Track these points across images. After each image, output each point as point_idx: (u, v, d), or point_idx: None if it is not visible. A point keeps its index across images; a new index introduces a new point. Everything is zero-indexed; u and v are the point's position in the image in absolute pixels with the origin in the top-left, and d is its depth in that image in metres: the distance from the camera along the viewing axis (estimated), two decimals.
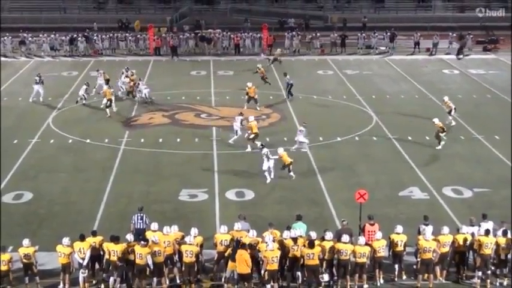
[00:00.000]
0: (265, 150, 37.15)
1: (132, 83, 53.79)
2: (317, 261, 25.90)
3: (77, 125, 47.10)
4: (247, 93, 50.90)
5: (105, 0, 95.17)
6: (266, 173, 36.79)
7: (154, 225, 27.07)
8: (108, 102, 49.07)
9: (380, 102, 52.84)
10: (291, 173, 37.10)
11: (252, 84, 51.33)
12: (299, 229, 27.27)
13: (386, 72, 64.20)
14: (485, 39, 77.45)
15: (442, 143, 41.87)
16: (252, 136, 41.36)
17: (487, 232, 26.75)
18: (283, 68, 62.18)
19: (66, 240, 26.29)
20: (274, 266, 25.58)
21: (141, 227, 28.30)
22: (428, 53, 73.06)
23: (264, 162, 36.77)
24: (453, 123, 46.83)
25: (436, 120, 42.34)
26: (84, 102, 52.28)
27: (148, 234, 26.65)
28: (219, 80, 60.02)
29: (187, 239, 26.32)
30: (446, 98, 48.47)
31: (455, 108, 47.20)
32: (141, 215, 28.67)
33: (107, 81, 53.15)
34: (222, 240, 26.92)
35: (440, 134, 41.90)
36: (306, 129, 42.06)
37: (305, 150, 41.45)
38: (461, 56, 71.10)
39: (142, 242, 25.94)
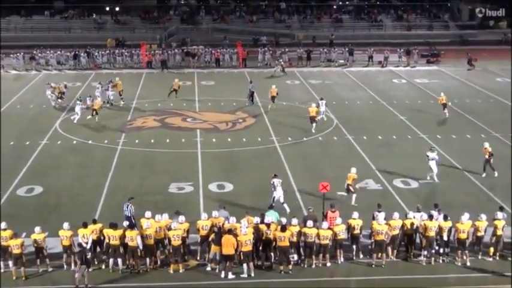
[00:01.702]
0: (276, 180, 32.01)
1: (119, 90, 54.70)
2: (287, 243, 25.99)
3: (81, 128, 46.89)
4: (270, 93, 52.07)
5: (104, 21, 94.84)
6: (284, 205, 31.42)
7: (148, 213, 27.12)
8: (94, 112, 48.67)
9: (339, 107, 52.92)
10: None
11: (276, 87, 52.83)
12: (271, 216, 27.36)
13: (344, 82, 64.27)
14: (428, 53, 77.75)
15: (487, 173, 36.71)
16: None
17: (431, 217, 26.93)
18: (255, 77, 62.26)
19: (66, 225, 26.39)
20: (248, 248, 25.68)
21: (127, 214, 28.36)
22: (380, 65, 73.23)
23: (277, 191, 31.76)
24: (447, 115, 48.66)
25: (486, 145, 37.32)
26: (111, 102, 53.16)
27: (143, 221, 26.70)
28: (202, 89, 59.95)
29: (172, 225, 26.42)
30: (442, 94, 50.55)
31: (445, 104, 49.42)
32: (128, 204, 28.73)
33: (120, 92, 54.42)
34: (203, 226, 27.16)
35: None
36: (437, 156, 36.87)
37: (432, 180, 36.24)
38: (470, 68, 71.60)
39: (130, 226, 26.13)
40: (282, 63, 68.60)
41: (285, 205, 31.13)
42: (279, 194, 31.47)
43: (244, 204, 31.68)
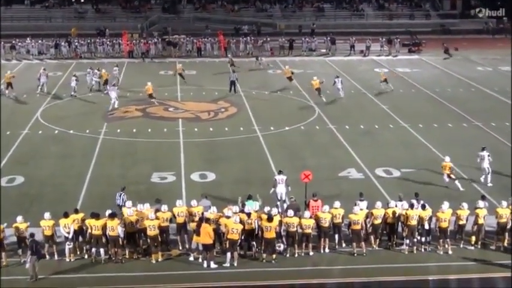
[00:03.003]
0: (279, 177, 31.07)
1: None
2: (273, 234, 26.04)
3: (62, 118, 46.71)
4: (311, 85, 52.29)
5: (84, 10, 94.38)
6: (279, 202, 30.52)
7: (129, 203, 27.23)
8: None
9: (321, 97, 52.86)
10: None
11: (317, 78, 53.10)
12: (250, 206, 27.38)
13: (326, 71, 64.22)
14: (410, 43, 77.90)
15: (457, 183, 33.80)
16: None
17: (412, 206, 27.06)
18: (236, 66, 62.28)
19: (47, 215, 26.29)
20: (235, 236, 25.69)
21: (119, 203, 28.38)
22: (362, 55, 73.36)
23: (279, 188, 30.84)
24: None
25: (446, 159, 34.29)
26: (75, 94, 52.77)
27: (124, 211, 26.73)
28: (184, 80, 59.81)
29: (150, 215, 26.40)
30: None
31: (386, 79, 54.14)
32: (121, 193, 28.72)
33: (106, 82, 54.43)
34: (178, 212, 27.17)
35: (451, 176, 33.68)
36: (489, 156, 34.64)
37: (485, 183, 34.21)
38: (447, 57, 71.73)
39: (110, 217, 26.05)
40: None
41: (285, 204, 30.33)
42: (280, 190, 30.73)
43: (226, 194, 31.70)
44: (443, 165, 33.69)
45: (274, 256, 26.17)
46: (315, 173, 31.23)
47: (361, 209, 27.13)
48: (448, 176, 33.43)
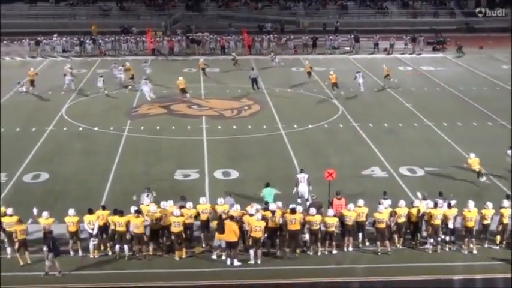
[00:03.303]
0: (301, 176, 31.12)
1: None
2: (298, 226, 26.06)
3: (86, 115, 46.93)
4: (328, 79, 53.41)
5: (109, 8, 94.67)
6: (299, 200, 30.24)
7: (147, 200, 27.55)
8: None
9: (345, 94, 52.76)
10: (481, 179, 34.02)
11: (334, 72, 54.08)
12: (267, 194, 28.21)
13: (350, 69, 63.89)
14: (434, 41, 77.49)
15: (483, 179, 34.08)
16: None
17: (436, 205, 26.92)
18: (261, 64, 62.26)
19: (72, 211, 26.48)
20: (258, 234, 25.69)
21: (146, 203, 28.32)
22: (386, 53, 73.07)
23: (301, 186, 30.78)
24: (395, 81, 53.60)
25: (472, 155, 34.54)
26: (106, 92, 53.07)
27: (143, 208, 26.88)
28: (207, 77, 59.76)
29: (174, 212, 26.46)
30: (386, 67, 55.83)
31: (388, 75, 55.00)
32: (148, 193, 28.79)
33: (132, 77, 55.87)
34: (202, 210, 27.30)
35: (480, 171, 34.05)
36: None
37: None
38: (460, 55, 71.58)
39: (135, 214, 26.10)
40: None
41: (308, 203, 30.11)
42: (302, 189, 30.62)
43: (249, 191, 31.67)
44: (472, 162, 33.78)
45: (297, 251, 26.13)
46: (339, 171, 31.16)
47: (385, 208, 27.05)
48: (477, 172, 33.62)
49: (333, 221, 26.42)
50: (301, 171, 31.67)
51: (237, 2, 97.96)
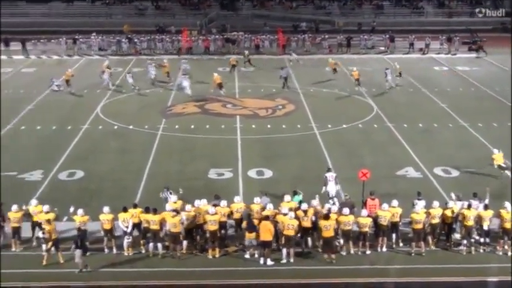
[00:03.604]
0: (329, 175, 31.21)
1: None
2: (332, 233, 25.97)
3: (122, 113, 47.19)
4: (352, 75, 54.89)
5: (144, 7, 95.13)
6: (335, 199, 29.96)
7: (174, 198, 27.80)
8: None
9: (379, 94, 52.60)
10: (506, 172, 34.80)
11: (356, 69, 55.79)
12: (296, 201, 27.81)
13: (384, 69, 63.82)
14: (469, 41, 76.77)
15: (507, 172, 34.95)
16: None
17: (469, 206, 26.71)
18: (294, 63, 62.22)
19: (106, 209, 26.69)
20: (291, 232, 25.70)
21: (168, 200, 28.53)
22: (421, 53, 72.60)
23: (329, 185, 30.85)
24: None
25: (495, 151, 35.26)
26: (137, 87, 53.92)
27: (172, 205, 27.11)
28: (242, 75, 59.81)
29: (210, 210, 26.54)
30: (397, 65, 57.13)
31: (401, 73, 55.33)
32: (168, 192, 29.06)
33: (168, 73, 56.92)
34: (237, 209, 27.48)
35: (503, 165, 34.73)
36: None
37: None
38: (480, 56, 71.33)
39: (173, 213, 26.15)
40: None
41: (336, 199, 30.26)
42: (331, 188, 30.70)
43: (283, 191, 31.54)
44: (497, 157, 34.37)
45: (333, 256, 26.05)
46: (373, 171, 31.01)
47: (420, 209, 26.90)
48: (501, 166, 34.16)
49: (366, 221, 26.32)
50: (329, 170, 31.76)
51: (272, 1, 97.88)
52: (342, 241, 26.53)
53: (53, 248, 25.76)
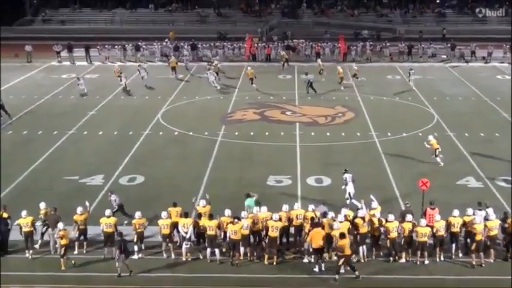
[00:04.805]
0: (348, 176, 32.27)
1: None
2: (395, 234, 26.18)
3: (182, 119, 47.50)
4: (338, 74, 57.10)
5: (206, 14, 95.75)
6: (353, 200, 31.19)
7: (202, 202, 28.29)
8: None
9: (440, 103, 52.05)
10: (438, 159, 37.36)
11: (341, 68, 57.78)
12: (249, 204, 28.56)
13: (446, 77, 63.14)
14: None
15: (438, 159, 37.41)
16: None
17: None
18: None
19: (164, 214, 26.95)
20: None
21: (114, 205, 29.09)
22: (483, 61, 71.59)
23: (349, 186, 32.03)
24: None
25: (430, 137, 38.79)
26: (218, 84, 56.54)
27: (201, 210, 27.52)
28: (302, 82, 59.63)
29: (274, 216, 26.54)
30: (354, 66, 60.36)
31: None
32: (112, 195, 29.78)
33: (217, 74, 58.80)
34: (297, 215, 27.39)
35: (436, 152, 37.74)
36: None
37: None
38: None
39: (235, 220, 26.19)
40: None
41: (354, 200, 30.82)
42: (350, 189, 31.40)
43: (342, 199, 31.45)
44: (432, 142, 37.47)
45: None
46: (433, 181, 30.67)
47: (486, 219, 26.54)
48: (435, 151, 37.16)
49: (425, 231, 26.04)
50: (345, 171, 32.31)
51: (333, 9, 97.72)
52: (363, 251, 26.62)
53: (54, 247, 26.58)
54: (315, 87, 54.92)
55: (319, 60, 64.48)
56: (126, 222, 28.32)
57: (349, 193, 31.54)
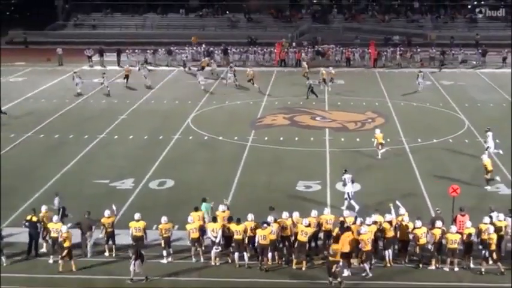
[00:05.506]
0: (347, 176, 32.55)
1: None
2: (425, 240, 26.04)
3: (212, 124, 47.60)
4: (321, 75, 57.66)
5: (237, 19, 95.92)
6: (352, 201, 31.70)
7: (222, 207, 28.19)
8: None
9: (472, 109, 51.72)
10: None
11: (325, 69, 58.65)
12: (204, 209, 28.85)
13: (477, 83, 62.70)
14: None
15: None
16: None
17: None
18: (386, 76, 61.72)
19: (191, 218, 26.88)
20: (367, 247, 25.59)
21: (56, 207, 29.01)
22: None
23: (348, 186, 32.21)
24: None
25: (377, 131, 40.66)
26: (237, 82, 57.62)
27: (220, 215, 27.54)
28: (332, 88, 59.39)
29: (304, 221, 26.49)
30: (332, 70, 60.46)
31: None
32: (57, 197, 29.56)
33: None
34: (327, 220, 27.41)
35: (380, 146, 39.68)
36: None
37: None
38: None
39: (264, 225, 26.15)
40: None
41: (353, 202, 31.15)
42: (349, 189, 31.64)
43: (371, 204, 31.28)
44: (377, 136, 39.36)
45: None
46: (463, 187, 30.48)
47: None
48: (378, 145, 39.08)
49: (455, 238, 25.84)
50: (345, 171, 32.65)
51: (364, 14, 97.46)
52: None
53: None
54: (316, 91, 55.48)
55: (330, 69, 63.44)
56: (155, 227, 28.27)
57: (348, 193, 31.76)
